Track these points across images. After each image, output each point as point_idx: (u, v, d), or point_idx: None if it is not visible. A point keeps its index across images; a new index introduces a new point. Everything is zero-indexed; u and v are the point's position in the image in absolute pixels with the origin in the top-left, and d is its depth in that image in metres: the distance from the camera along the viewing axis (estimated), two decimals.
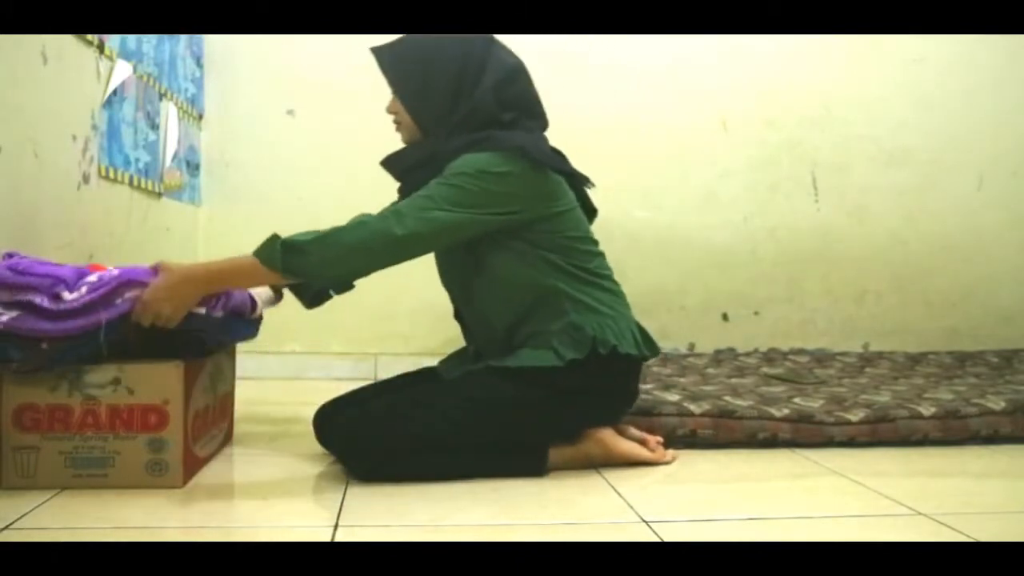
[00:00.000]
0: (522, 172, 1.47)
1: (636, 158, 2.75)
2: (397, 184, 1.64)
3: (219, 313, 1.43)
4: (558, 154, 1.59)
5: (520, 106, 1.55)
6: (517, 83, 1.57)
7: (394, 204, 1.51)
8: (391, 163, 1.63)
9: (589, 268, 1.55)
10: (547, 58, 2.75)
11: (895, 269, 2.88)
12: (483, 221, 1.46)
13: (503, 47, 1.59)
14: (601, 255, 1.61)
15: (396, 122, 1.63)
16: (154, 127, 2.15)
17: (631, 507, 1.33)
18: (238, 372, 1.78)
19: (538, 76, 2.91)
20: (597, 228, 1.65)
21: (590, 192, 1.65)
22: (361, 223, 1.43)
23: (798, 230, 2.84)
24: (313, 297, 1.64)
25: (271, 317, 2.72)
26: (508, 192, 1.46)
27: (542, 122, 1.61)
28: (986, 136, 2.89)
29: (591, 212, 1.66)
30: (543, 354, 1.48)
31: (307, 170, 2.63)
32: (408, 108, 1.58)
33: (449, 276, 1.65)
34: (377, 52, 1.61)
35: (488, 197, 1.45)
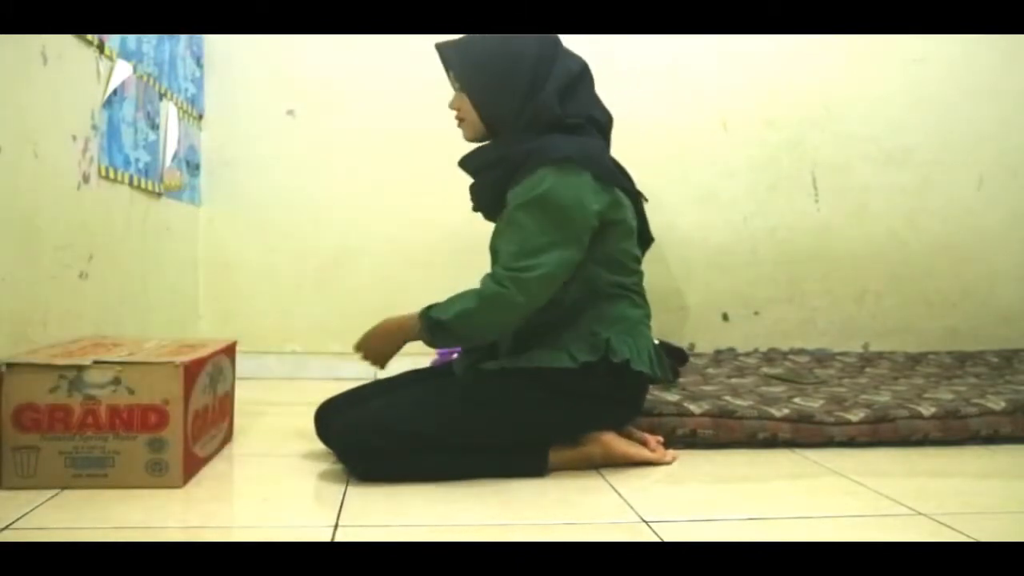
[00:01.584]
0: (585, 183, 1.47)
1: (636, 158, 2.74)
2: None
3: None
4: (618, 168, 1.60)
5: (583, 112, 1.55)
6: (580, 88, 1.57)
7: (496, 266, 1.49)
8: (466, 162, 1.62)
9: (625, 283, 1.55)
10: None
11: (895, 269, 2.88)
12: (580, 245, 1.47)
13: (568, 50, 1.59)
14: (641, 274, 1.61)
15: (459, 119, 1.62)
16: (154, 127, 2.15)
17: (631, 507, 1.33)
18: (238, 372, 1.78)
19: None
20: None
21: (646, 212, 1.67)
22: (486, 297, 1.45)
23: (798, 230, 2.83)
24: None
25: (272, 317, 2.72)
26: (585, 209, 1.46)
27: (604, 122, 1.61)
28: (986, 136, 2.89)
29: (647, 240, 1.67)
30: (557, 355, 1.47)
31: (307, 170, 2.63)
32: (480, 108, 1.57)
33: None
34: (444, 49, 1.59)
35: (574, 220, 1.46)
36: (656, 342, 1.60)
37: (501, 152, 1.55)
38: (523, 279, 1.44)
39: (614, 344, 1.47)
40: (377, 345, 1.57)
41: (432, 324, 1.47)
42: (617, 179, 1.55)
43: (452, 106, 1.61)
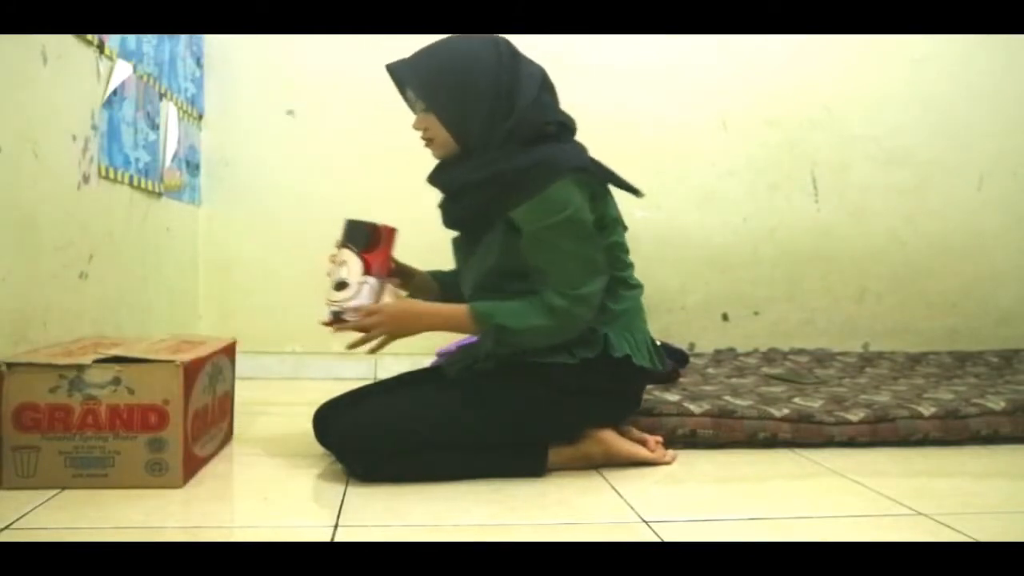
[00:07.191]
0: (596, 191, 1.50)
1: (636, 158, 2.74)
2: (439, 193, 1.60)
3: None
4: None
5: (554, 118, 1.52)
6: (547, 94, 1.54)
7: (559, 290, 1.44)
8: (442, 180, 1.56)
9: (622, 277, 1.55)
10: (547, 58, 2.73)
11: (895, 269, 2.88)
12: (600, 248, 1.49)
13: (522, 54, 1.55)
14: (632, 265, 1.60)
15: (427, 139, 1.54)
16: (154, 127, 2.15)
17: (631, 507, 1.33)
18: (238, 372, 1.78)
19: None
20: None
21: (636, 201, 1.66)
22: (559, 315, 1.43)
23: (798, 230, 2.83)
24: None
25: (271, 317, 2.70)
26: (598, 215, 1.49)
27: (573, 128, 1.58)
28: (986, 136, 2.89)
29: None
30: (556, 352, 1.46)
31: (307, 170, 2.63)
32: (450, 125, 1.49)
33: (480, 290, 1.56)
34: (397, 68, 1.52)
35: (594, 235, 1.48)
36: (658, 343, 1.60)
37: (492, 170, 1.46)
38: (583, 296, 1.44)
39: (612, 339, 1.48)
40: (399, 322, 1.49)
41: (499, 329, 1.44)
42: (614, 179, 1.56)
43: (416, 127, 1.54)
